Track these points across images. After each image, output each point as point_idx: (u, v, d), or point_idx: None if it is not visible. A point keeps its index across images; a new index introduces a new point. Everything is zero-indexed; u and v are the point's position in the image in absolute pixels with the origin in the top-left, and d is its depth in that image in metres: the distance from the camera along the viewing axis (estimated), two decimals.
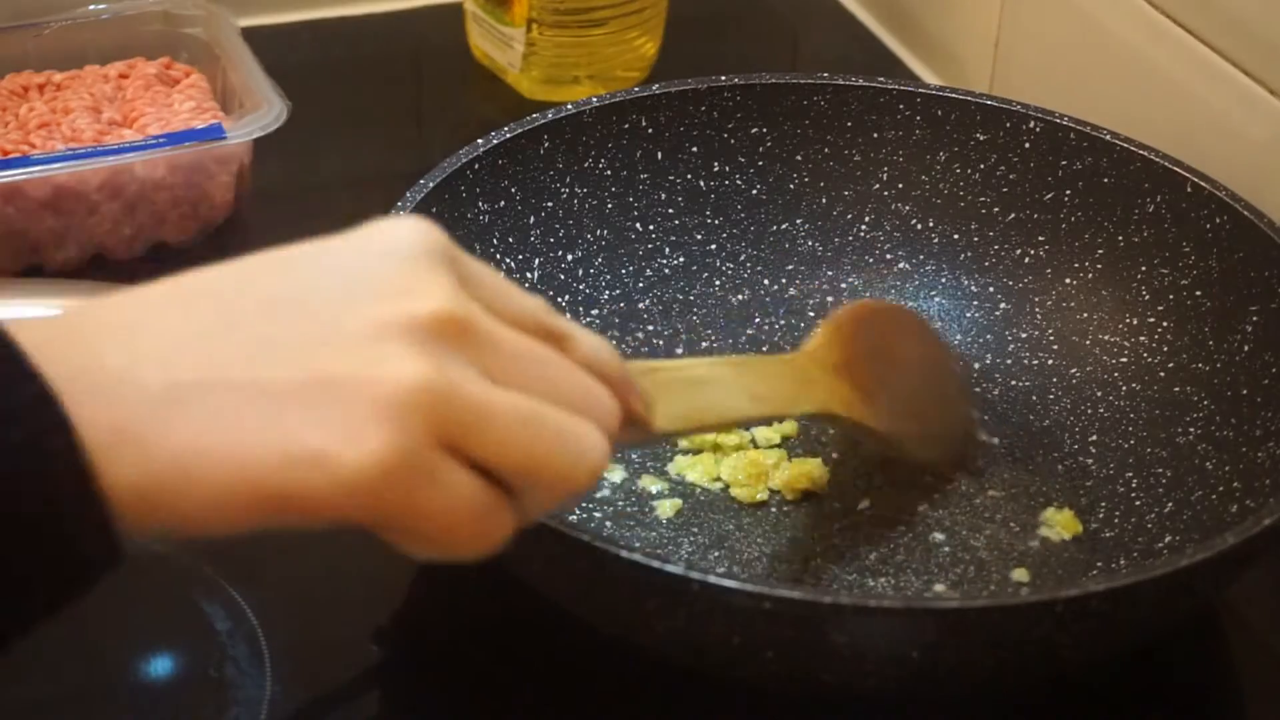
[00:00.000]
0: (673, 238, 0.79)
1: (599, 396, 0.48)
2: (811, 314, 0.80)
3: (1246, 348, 0.70)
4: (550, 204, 0.77)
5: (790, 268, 0.80)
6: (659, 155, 0.79)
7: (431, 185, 0.71)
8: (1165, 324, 0.74)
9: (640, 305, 0.78)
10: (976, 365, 0.77)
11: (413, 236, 0.46)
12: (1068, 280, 0.77)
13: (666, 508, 0.70)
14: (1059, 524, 0.70)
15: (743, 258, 0.80)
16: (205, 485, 0.42)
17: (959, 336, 0.78)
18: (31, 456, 0.40)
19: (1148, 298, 0.75)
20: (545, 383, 0.47)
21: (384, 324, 0.44)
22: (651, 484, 0.71)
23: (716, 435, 0.72)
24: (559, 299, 0.76)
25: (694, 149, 0.79)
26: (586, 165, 0.77)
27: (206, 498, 0.42)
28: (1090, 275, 0.77)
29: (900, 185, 0.80)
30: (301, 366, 0.43)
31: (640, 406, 0.51)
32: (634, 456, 0.72)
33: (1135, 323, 0.75)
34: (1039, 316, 0.78)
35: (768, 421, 0.72)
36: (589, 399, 0.48)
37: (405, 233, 0.46)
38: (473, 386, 0.44)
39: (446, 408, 0.44)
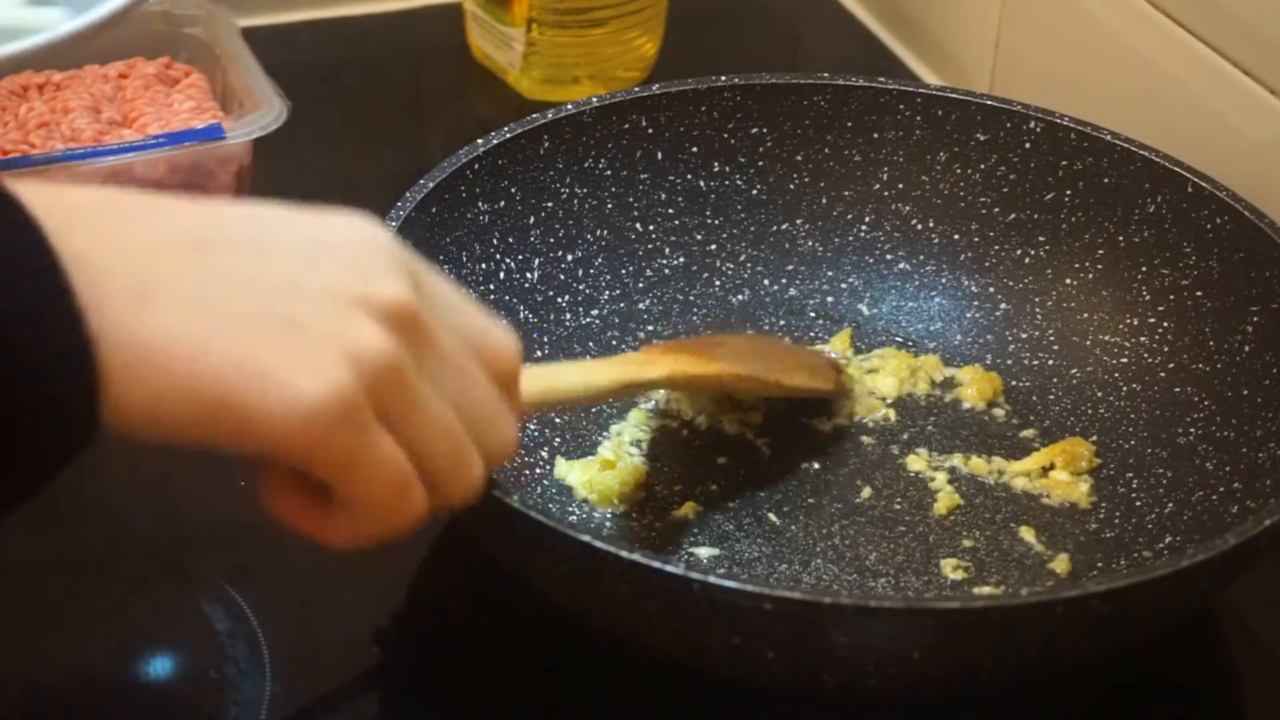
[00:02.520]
0: (673, 238, 0.79)
1: (505, 423, 0.52)
2: (812, 314, 0.80)
3: (1247, 348, 0.70)
4: (550, 204, 0.77)
5: (790, 268, 0.80)
6: (659, 155, 0.79)
7: (431, 185, 0.71)
8: (1166, 324, 0.74)
9: (640, 305, 0.78)
10: (976, 365, 0.78)
11: (378, 235, 0.48)
12: (1068, 280, 0.77)
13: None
14: None
15: (743, 258, 0.80)
16: (158, 377, 0.43)
17: (959, 337, 0.79)
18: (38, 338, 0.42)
19: (1148, 298, 0.75)
20: (466, 398, 0.50)
21: (349, 295, 0.46)
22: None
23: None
24: (559, 299, 0.76)
25: (694, 149, 0.79)
26: (586, 165, 0.77)
27: (157, 390, 0.43)
28: (1090, 275, 0.77)
29: (900, 185, 0.80)
30: (271, 303, 0.45)
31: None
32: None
33: (1135, 323, 0.75)
34: (1039, 316, 0.78)
35: (617, 395, 0.73)
36: (495, 423, 0.51)
37: (371, 229, 0.49)
38: (417, 378, 0.47)
39: (397, 385, 0.46)
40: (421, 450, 0.48)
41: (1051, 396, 0.76)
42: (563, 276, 0.77)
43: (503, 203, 0.75)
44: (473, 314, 0.51)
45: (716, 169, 0.80)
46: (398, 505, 0.48)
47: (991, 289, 0.79)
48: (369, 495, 0.47)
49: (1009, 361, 0.77)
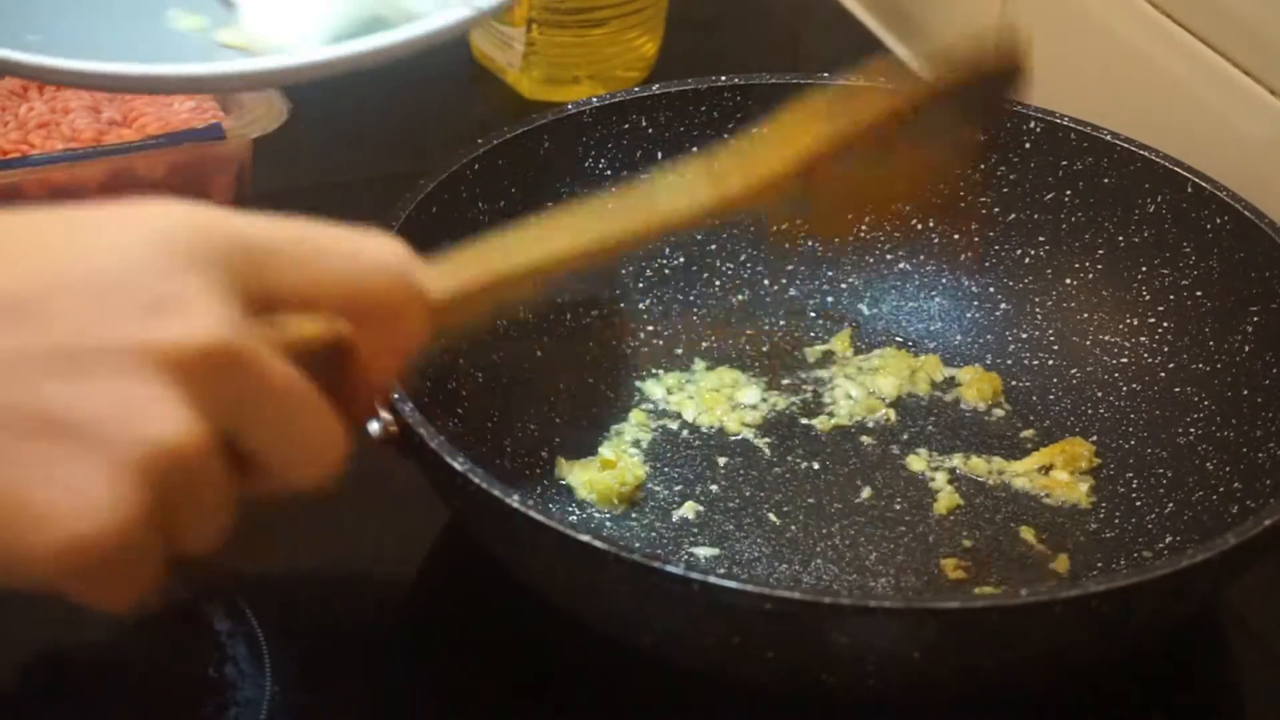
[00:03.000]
0: (673, 238, 0.79)
1: (334, 450, 0.42)
2: (812, 314, 0.80)
3: (1247, 348, 0.70)
4: (550, 204, 0.76)
5: (790, 268, 0.80)
6: (659, 155, 0.78)
7: (432, 185, 0.71)
8: (1165, 324, 0.74)
9: (640, 305, 0.78)
10: (976, 365, 0.77)
11: (166, 226, 0.38)
12: (1068, 280, 0.77)
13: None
14: None
15: (743, 258, 0.80)
16: None
17: (959, 337, 0.79)
18: None
19: (1148, 298, 0.75)
20: (283, 440, 0.40)
21: (141, 351, 0.36)
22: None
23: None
24: (559, 299, 0.76)
25: (694, 149, 0.79)
26: (586, 165, 0.77)
27: None
28: (1090, 275, 0.77)
29: None
30: (36, 394, 0.35)
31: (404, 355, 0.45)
32: None
33: (1135, 323, 0.75)
34: (1039, 316, 0.78)
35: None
36: (325, 452, 0.42)
37: (172, 226, 0.38)
38: (212, 469, 0.38)
39: (187, 486, 0.37)
40: (184, 529, 0.39)
41: (1051, 396, 0.76)
42: (563, 276, 0.76)
43: (503, 203, 0.75)
44: (336, 259, 0.41)
45: None
46: (137, 591, 0.39)
47: (991, 289, 0.79)
48: (105, 598, 0.38)
49: (1009, 361, 0.77)
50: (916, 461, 0.73)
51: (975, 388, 0.76)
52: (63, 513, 0.35)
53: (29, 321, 0.36)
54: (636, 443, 0.73)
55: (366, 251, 0.43)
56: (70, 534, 0.35)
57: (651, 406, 0.75)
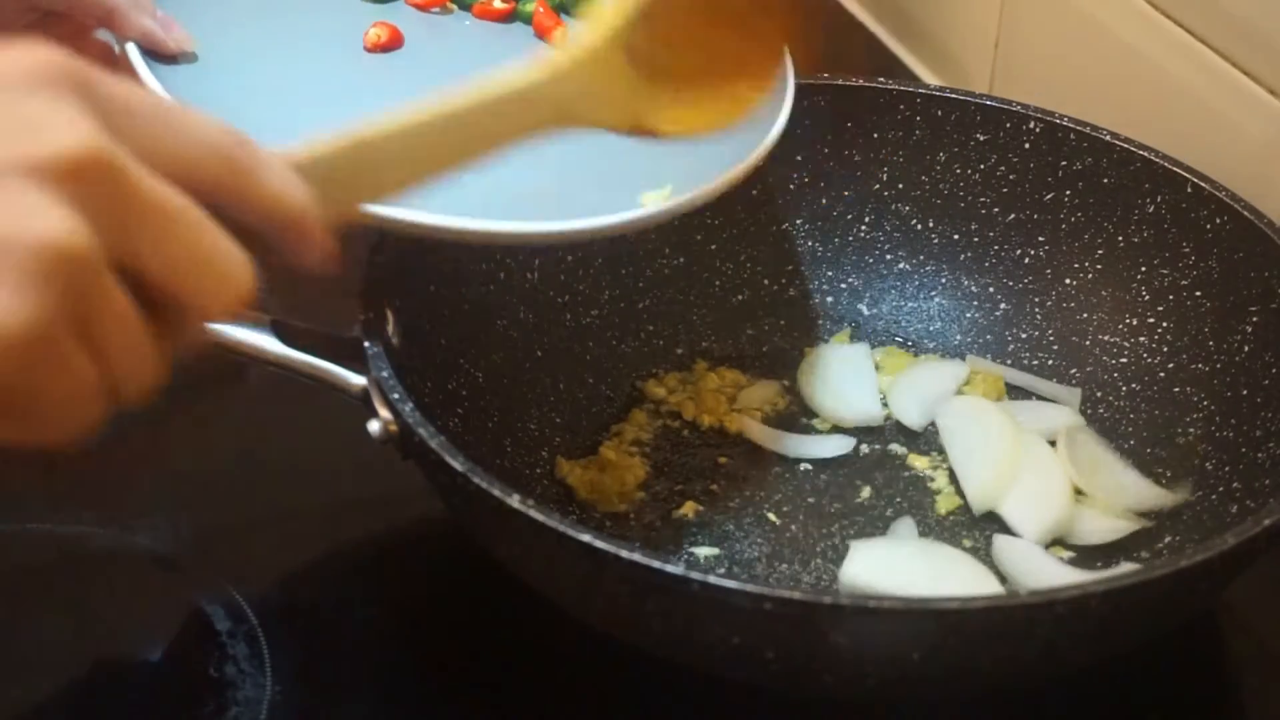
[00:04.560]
0: (673, 238, 0.79)
1: (234, 269, 0.43)
2: (812, 314, 0.80)
3: (1246, 348, 0.70)
4: None
5: (790, 268, 0.80)
6: None
7: None
8: (1165, 324, 0.74)
9: (640, 305, 0.78)
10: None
11: (33, 64, 0.39)
12: (1068, 280, 0.77)
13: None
14: None
15: (743, 258, 0.80)
16: None
17: (959, 337, 0.79)
18: None
19: (1148, 298, 0.75)
20: (178, 251, 0.41)
21: (15, 166, 0.38)
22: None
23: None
24: (559, 299, 0.76)
25: None
26: None
27: None
28: (1090, 275, 0.77)
29: (900, 185, 0.80)
30: None
31: (313, 255, 0.46)
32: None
33: (1135, 323, 0.75)
34: (1039, 316, 0.78)
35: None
36: (224, 271, 0.42)
37: (24, 61, 0.39)
38: (107, 272, 0.39)
39: (88, 285, 0.39)
40: (105, 354, 0.40)
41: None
42: (563, 277, 0.77)
43: None
44: (207, 134, 0.43)
45: None
46: (75, 419, 0.41)
47: (991, 289, 0.79)
48: (47, 414, 0.40)
49: (1009, 361, 0.77)
50: (917, 461, 0.73)
51: (975, 388, 0.76)
52: None
53: None
54: (636, 443, 0.73)
55: (214, 126, 0.43)
56: None
57: (652, 406, 0.75)
